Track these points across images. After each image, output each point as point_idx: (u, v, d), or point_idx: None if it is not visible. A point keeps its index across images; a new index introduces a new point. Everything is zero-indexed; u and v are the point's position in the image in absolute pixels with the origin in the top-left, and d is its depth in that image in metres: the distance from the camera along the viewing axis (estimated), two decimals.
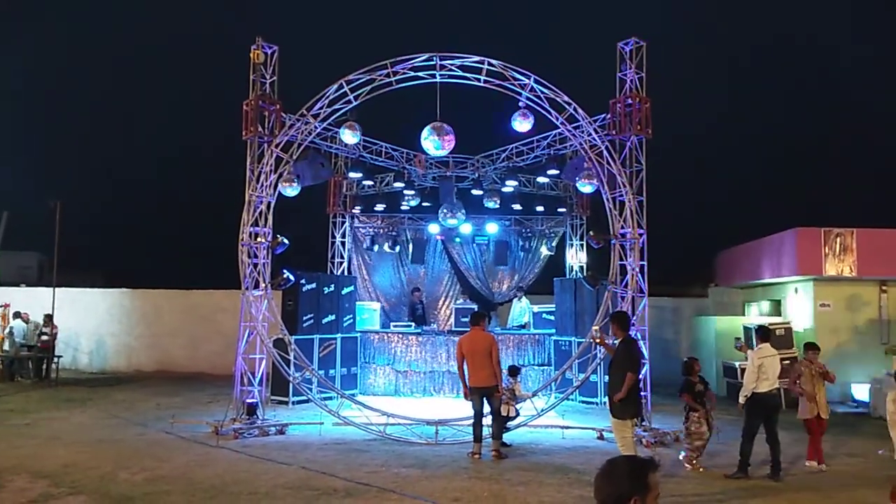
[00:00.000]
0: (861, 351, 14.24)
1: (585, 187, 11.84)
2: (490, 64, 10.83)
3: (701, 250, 21.31)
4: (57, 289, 17.32)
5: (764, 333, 8.73)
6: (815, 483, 7.97)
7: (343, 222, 16.97)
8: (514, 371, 10.33)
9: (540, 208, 16.40)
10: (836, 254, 14.36)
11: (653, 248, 11.10)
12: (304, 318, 13.16)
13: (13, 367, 16.35)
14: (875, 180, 24.75)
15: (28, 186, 22.04)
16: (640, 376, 8.45)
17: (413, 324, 15.39)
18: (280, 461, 8.61)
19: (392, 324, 15.41)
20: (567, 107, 11.09)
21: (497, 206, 16.05)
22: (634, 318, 10.46)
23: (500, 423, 9.29)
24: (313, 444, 9.72)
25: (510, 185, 15.35)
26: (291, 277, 11.45)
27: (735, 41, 30.79)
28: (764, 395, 8.22)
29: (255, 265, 11.01)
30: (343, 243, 16.91)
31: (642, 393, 9.17)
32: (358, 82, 11.01)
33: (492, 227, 16.86)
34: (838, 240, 14.40)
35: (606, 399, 8.09)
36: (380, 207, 16.45)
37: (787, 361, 13.06)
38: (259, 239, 11.09)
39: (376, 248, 16.96)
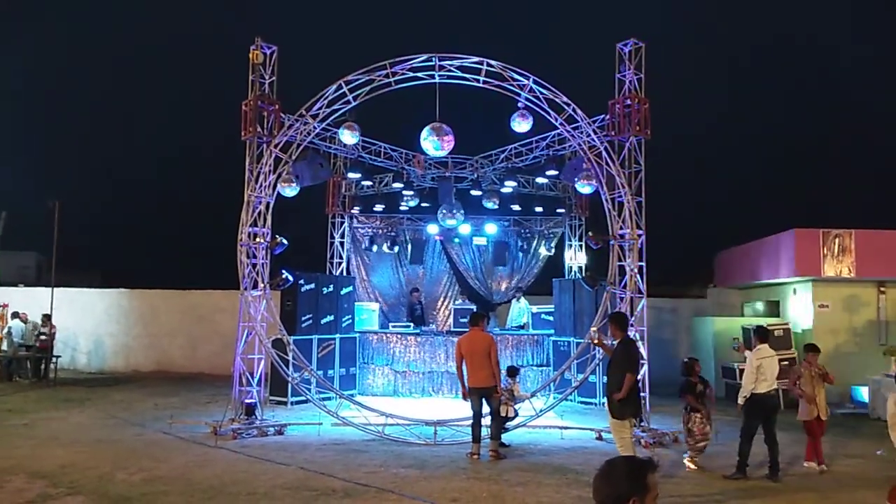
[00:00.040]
0: (859, 352, 14.25)
1: (584, 188, 11.85)
2: (489, 65, 10.83)
3: (700, 251, 21.33)
4: (55, 289, 17.31)
5: (762, 334, 8.74)
6: (814, 484, 7.98)
7: (342, 223, 16.96)
8: (512, 371, 10.33)
9: (539, 209, 16.40)
10: (835, 255, 14.37)
11: (652, 248, 11.11)
12: (303, 318, 13.15)
13: (11, 368, 16.33)
14: (875, 180, 24.79)
15: (27, 186, 22.04)
16: (639, 377, 8.46)
17: (412, 324, 15.39)
18: (278, 461, 8.60)
19: (391, 324, 15.41)
20: (566, 107, 11.10)
21: (496, 206, 16.06)
22: (633, 318, 10.47)
23: (499, 424, 9.30)
24: (312, 444, 9.71)
25: (509, 186, 15.35)
26: (290, 278, 11.45)
27: (735, 41, 30.85)
28: (762, 395, 8.22)
29: (254, 265, 11.00)
30: (342, 244, 16.90)
31: (641, 394, 9.18)
32: (357, 83, 11.01)
33: (491, 228, 16.86)
34: (837, 241, 14.42)
35: (605, 400, 8.09)
36: (379, 208, 16.44)
37: (786, 362, 13.09)
38: (258, 239, 11.08)
39: (375, 248, 16.96)
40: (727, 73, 30.99)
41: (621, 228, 10.87)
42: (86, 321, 18.96)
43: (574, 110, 11.08)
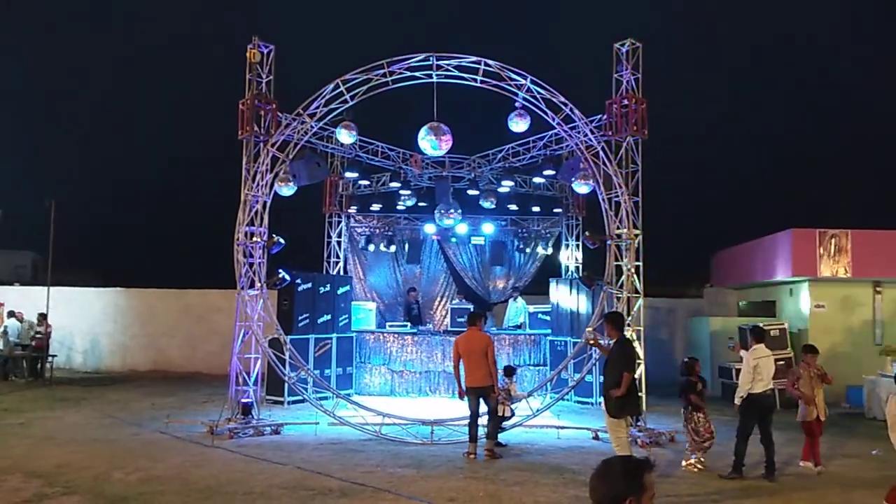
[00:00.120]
0: (855, 352, 14.29)
1: (581, 188, 11.86)
2: (487, 64, 10.83)
3: (696, 251, 21.36)
4: (52, 288, 17.26)
5: (758, 334, 8.75)
6: (810, 483, 7.99)
7: (339, 222, 16.95)
8: (509, 371, 10.35)
9: (536, 209, 16.40)
10: (831, 255, 14.41)
11: (648, 248, 11.12)
12: (300, 317, 13.15)
13: (7, 367, 16.30)
14: (874, 181, 24.85)
15: (25, 185, 22.00)
16: (636, 376, 8.47)
17: (409, 324, 15.38)
18: (275, 461, 8.60)
19: (388, 324, 15.40)
20: (563, 107, 11.10)
21: (493, 206, 16.05)
22: (630, 318, 10.48)
23: (496, 423, 9.30)
24: (309, 444, 9.71)
25: (506, 186, 15.35)
26: (287, 277, 11.44)
27: (734, 41, 30.88)
28: (759, 395, 8.23)
29: (251, 265, 10.99)
30: (339, 243, 16.89)
31: (639, 393, 9.19)
32: (354, 82, 11.00)
33: (488, 228, 16.85)
34: (833, 241, 14.45)
35: (602, 399, 8.09)
36: (376, 207, 16.42)
37: (782, 362, 13.13)
38: (255, 238, 11.07)
39: (372, 247, 16.94)
40: (725, 73, 31.06)
41: (618, 228, 10.88)
42: (82, 320, 18.92)
43: (571, 110, 11.08)
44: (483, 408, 9.16)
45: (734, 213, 25.10)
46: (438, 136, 10.92)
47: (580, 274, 15.18)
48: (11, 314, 16.66)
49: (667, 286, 19.31)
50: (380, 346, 14.51)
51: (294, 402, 12.53)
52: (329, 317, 13.84)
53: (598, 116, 11.61)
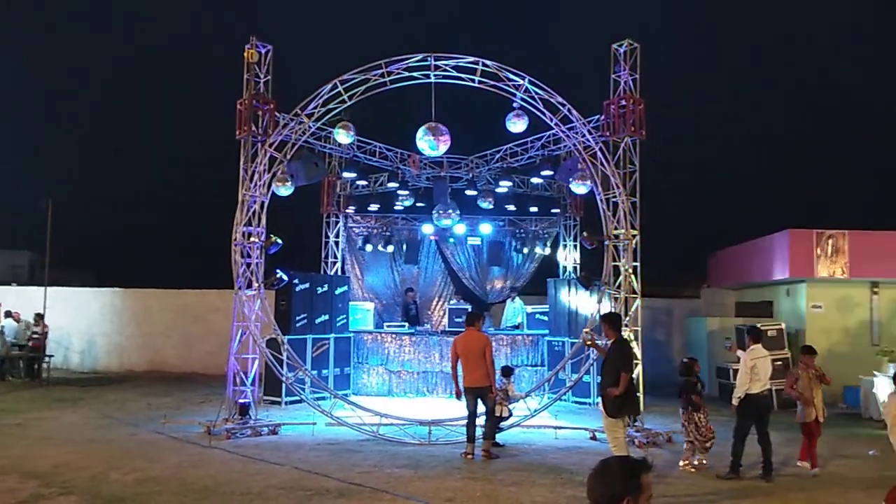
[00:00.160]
0: (852, 352, 14.31)
1: (579, 188, 11.87)
2: (484, 65, 10.84)
3: (694, 251, 21.38)
4: (49, 288, 17.23)
5: (756, 334, 8.75)
6: (807, 484, 8.00)
7: (337, 222, 16.94)
8: (507, 371, 10.35)
9: (534, 209, 16.40)
10: (829, 255, 14.44)
11: (646, 249, 11.13)
12: (298, 318, 13.14)
13: (4, 367, 16.26)
14: (874, 181, 24.88)
15: (23, 185, 21.96)
16: (633, 376, 8.47)
17: (406, 324, 15.39)
18: (272, 461, 8.59)
19: (385, 324, 15.39)
20: (561, 108, 11.10)
21: (491, 206, 16.05)
22: (627, 318, 10.49)
23: (493, 424, 9.30)
24: (306, 444, 9.70)
25: (504, 186, 15.35)
26: (285, 277, 11.43)
27: (734, 41, 30.90)
28: (756, 395, 8.24)
29: (249, 265, 10.98)
30: (337, 243, 16.88)
31: (636, 393, 9.19)
32: (352, 82, 10.99)
33: (485, 228, 16.86)
34: (830, 241, 14.48)
35: (599, 399, 8.10)
36: (374, 207, 16.42)
37: (780, 363, 13.15)
38: (252, 238, 11.06)
39: (370, 248, 16.93)
40: (725, 73, 31.07)
41: (616, 229, 10.89)
42: (79, 321, 18.89)
43: (569, 110, 11.09)
44: (481, 408, 9.17)
45: (732, 214, 25.13)
46: (436, 137, 10.92)
47: (578, 274, 15.18)
48: (8, 314, 16.62)
49: (664, 286, 19.33)
50: (377, 346, 14.50)
51: (291, 402, 12.52)
52: (327, 317, 13.84)
53: (596, 117, 11.62)
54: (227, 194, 11.60)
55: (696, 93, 27.84)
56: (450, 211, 15.00)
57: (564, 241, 17.07)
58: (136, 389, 15.06)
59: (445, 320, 15.55)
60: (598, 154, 10.98)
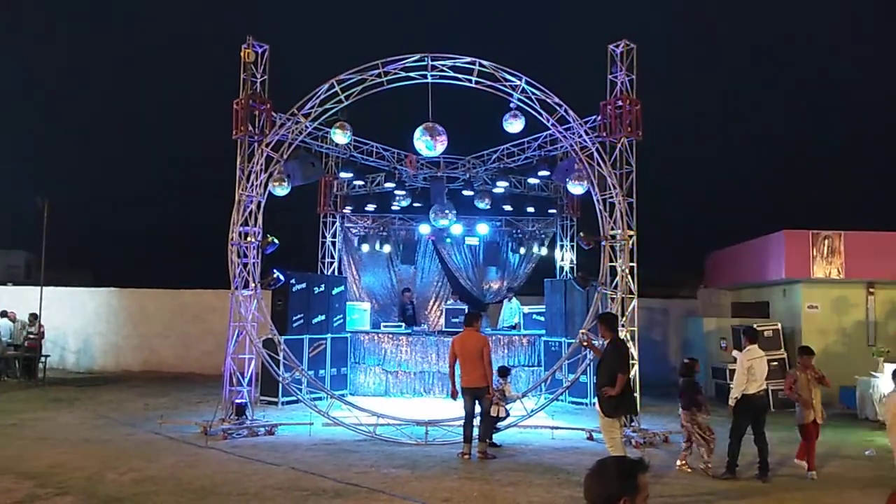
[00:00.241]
0: (848, 353, 14.34)
1: (576, 189, 11.87)
2: (481, 65, 10.84)
3: (690, 252, 21.41)
4: (45, 288, 17.20)
5: (752, 335, 8.77)
6: (803, 484, 8.02)
7: (333, 222, 16.93)
8: (503, 372, 10.35)
9: (530, 209, 16.42)
10: (824, 256, 14.46)
11: (643, 249, 11.14)
12: (294, 318, 13.12)
13: (0, 367, 16.21)
14: (875, 181, 24.93)
15: (22, 185, 21.91)
16: (630, 376, 8.47)
17: (403, 324, 15.38)
18: (269, 462, 8.58)
19: (382, 324, 15.39)
20: (558, 108, 11.11)
21: (488, 206, 16.07)
22: (624, 319, 10.50)
23: (489, 424, 9.30)
24: (303, 444, 9.69)
25: (501, 186, 15.37)
26: (281, 277, 11.41)
27: (733, 41, 30.93)
28: (752, 396, 8.26)
29: (245, 265, 10.97)
30: (333, 243, 16.87)
31: (633, 394, 9.19)
32: (349, 82, 10.99)
33: (482, 228, 16.87)
34: (826, 242, 14.51)
35: (595, 400, 8.10)
36: (370, 207, 16.43)
37: (775, 363, 13.18)
38: (249, 238, 11.05)
39: (367, 248, 16.93)
40: (723, 74, 31.10)
41: (612, 229, 10.90)
42: (75, 320, 18.85)
43: (566, 111, 11.09)
44: (478, 408, 9.17)
45: (729, 214, 25.17)
46: (434, 137, 10.93)
47: (574, 275, 15.19)
48: (4, 314, 16.58)
49: (661, 287, 19.36)
50: (374, 346, 14.50)
51: (288, 402, 12.50)
52: (323, 317, 13.82)
53: (593, 117, 11.63)
54: (225, 194, 11.59)
55: (693, 93, 27.89)
56: (447, 211, 15.01)
57: (561, 241, 17.09)
58: (132, 389, 15.03)
59: (442, 320, 15.54)
60: (595, 154, 11.00)
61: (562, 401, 12.52)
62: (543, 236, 17.28)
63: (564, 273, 16.72)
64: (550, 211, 16.91)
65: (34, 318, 16.60)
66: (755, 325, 11.16)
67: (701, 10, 29.69)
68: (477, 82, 10.98)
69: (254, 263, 11.02)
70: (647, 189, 11.48)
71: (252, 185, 11.07)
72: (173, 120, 28.77)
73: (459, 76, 10.99)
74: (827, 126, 27.15)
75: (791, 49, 29.20)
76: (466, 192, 15.92)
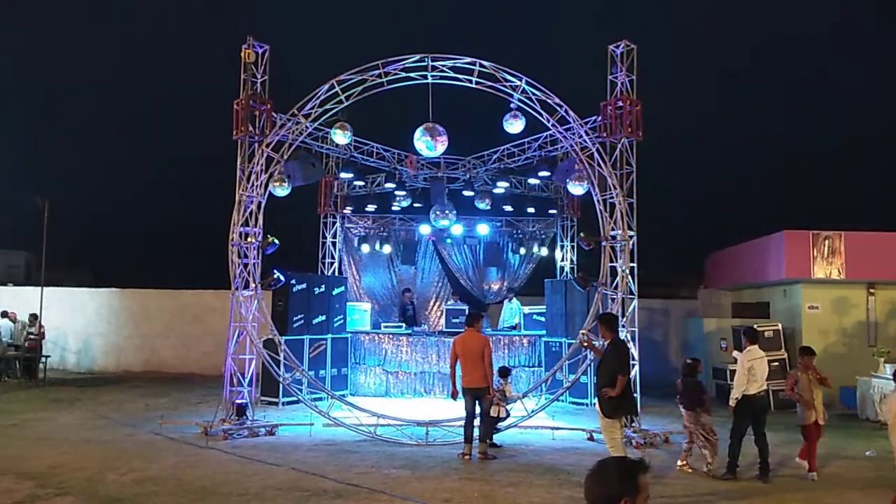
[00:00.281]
0: (849, 353, 14.34)
1: (576, 189, 11.87)
2: (482, 65, 10.84)
3: (691, 252, 21.41)
4: (45, 288, 17.20)
5: (752, 335, 8.76)
6: (804, 485, 8.02)
7: (334, 222, 16.93)
8: (504, 372, 10.35)
9: (531, 210, 16.42)
10: (825, 256, 14.46)
11: (643, 249, 11.14)
12: (295, 318, 13.12)
13: (0, 367, 16.21)
14: (875, 181, 24.91)
15: (22, 185, 21.92)
16: (631, 376, 8.47)
17: (404, 325, 15.38)
18: (270, 462, 8.58)
19: (383, 324, 15.39)
20: (558, 108, 11.11)
21: (488, 207, 16.07)
22: (624, 319, 10.50)
23: (489, 425, 9.30)
24: (303, 445, 9.70)
25: (501, 187, 15.37)
26: (282, 278, 11.42)
27: (733, 41, 30.92)
28: (752, 396, 8.25)
29: (246, 265, 10.97)
30: (334, 244, 16.87)
31: (633, 394, 9.19)
32: (349, 82, 10.99)
33: (483, 229, 16.87)
34: (826, 242, 14.50)
35: (596, 400, 8.09)
36: (371, 208, 16.42)
37: (776, 363, 13.17)
38: (249, 239, 11.05)
39: (367, 248, 16.93)
40: (723, 74, 31.08)
41: (613, 229, 10.90)
42: (76, 321, 18.85)
43: (566, 111, 11.09)
44: (478, 409, 9.17)
45: (729, 215, 25.16)
46: (434, 137, 10.93)
47: (575, 275, 15.19)
48: (4, 314, 16.58)
49: (661, 287, 19.35)
50: (375, 346, 14.50)
51: (289, 402, 12.50)
52: (324, 318, 13.82)
53: (593, 118, 11.63)
54: (225, 194, 11.59)
55: (694, 93, 27.89)
56: (447, 211, 15.01)
57: (561, 241, 17.09)
58: (133, 390, 15.04)
59: (442, 321, 15.54)
60: (595, 155, 10.99)
61: (562, 401, 12.52)
62: (544, 237, 17.28)
63: (565, 273, 16.72)
64: (551, 211, 16.91)
65: (34, 318, 16.61)
66: (756, 326, 11.14)
67: (701, 10, 29.69)
68: (477, 83, 10.98)
69: (254, 264, 11.02)
70: (647, 189, 11.48)
71: (252, 185, 11.08)
72: (173, 120, 28.77)
73: (460, 76, 10.99)
74: (827, 126, 27.14)
75: (791, 49, 29.20)
76: (467, 193, 15.91)
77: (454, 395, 9.30)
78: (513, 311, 15.92)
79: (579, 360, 11.42)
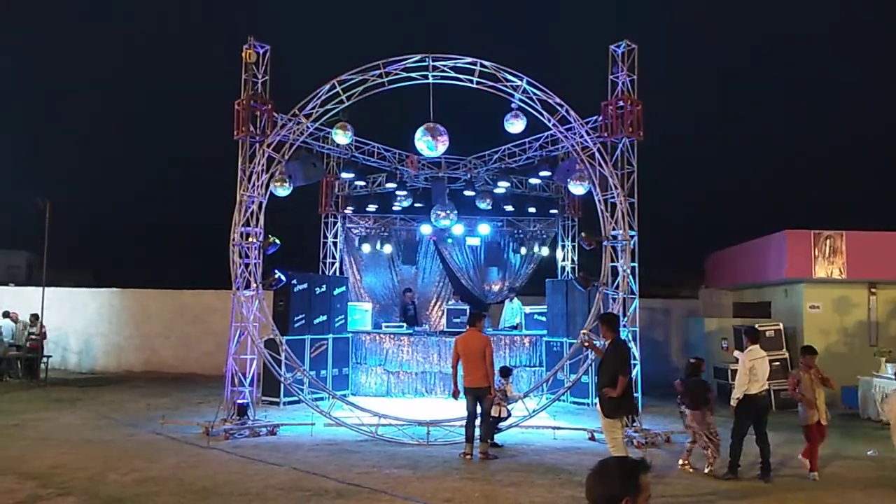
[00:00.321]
0: (850, 353, 14.33)
1: (577, 189, 11.87)
2: (482, 65, 10.84)
3: (692, 252, 21.39)
4: (46, 288, 17.21)
5: (753, 335, 8.74)
6: (805, 484, 8.01)
7: (335, 222, 16.94)
8: (505, 372, 10.35)
9: (532, 210, 16.41)
10: (826, 256, 14.45)
11: (644, 249, 11.14)
12: (296, 318, 13.13)
13: (2, 367, 16.22)
14: (875, 181, 24.90)
15: (21, 185, 21.93)
16: (632, 377, 8.47)
17: (405, 324, 15.38)
18: (271, 462, 8.59)
19: (384, 324, 15.39)
20: (559, 108, 11.11)
21: (489, 207, 16.07)
22: (625, 319, 10.50)
23: (489, 425, 9.30)
24: (304, 444, 9.70)
25: (502, 187, 15.37)
26: (283, 278, 11.42)
27: (733, 41, 30.90)
28: (754, 396, 8.25)
29: (247, 265, 10.97)
30: (335, 244, 16.88)
31: (634, 394, 9.19)
32: (350, 82, 11.00)
33: (484, 228, 16.87)
34: (828, 242, 14.49)
35: (597, 400, 8.09)
36: (372, 208, 16.43)
37: (777, 363, 13.17)
38: (250, 239, 11.06)
39: (368, 248, 16.94)
40: (724, 74, 31.07)
41: (614, 229, 10.90)
42: (77, 321, 18.87)
43: (567, 111, 11.09)
44: (479, 409, 9.17)
45: (730, 214, 25.15)
46: (435, 137, 10.92)
47: (576, 275, 15.19)
48: (6, 314, 16.60)
49: (662, 287, 19.34)
50: (376, 346, 14.50)
51: (290, 402, 12.50)
52: (325, 317, 13.83)
53: (594, 118, 11.63)
54: (225, 194, 11.60)
55: (694, 93, 27.88)
56: (448, 211, 15.01)
57: (562, 241, 17.09)
58: (134, 390, 15.05)
59: (444, 321, 15.55)
60: (596, 155, 10.99)
61: (563, 401, 12.52)
62: (545, 236, 17.28)
63: (566, 273, 16.72)
64: (552, 211, 16.90)
65: (35, 318, 16.62)
66: (757, 325, 11.13)
67: (701, 10, 29.68)
68: (478, 83, 10.98)
69: (255, 264, 11.03)
70: (648, 189, 11.48)
71: (253, 185, 11.08)
72: (173, 120, 28.77)
73: (461, 76, 10.99)
74: (827, 126, 27.12)
75: (791, 49, 29.19)
76: (468, 193, 15.91)
77: (455, 395, 9.31)
78: (514, 310, 15.92)
79: (580, 360, 11.42)
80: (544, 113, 11.20)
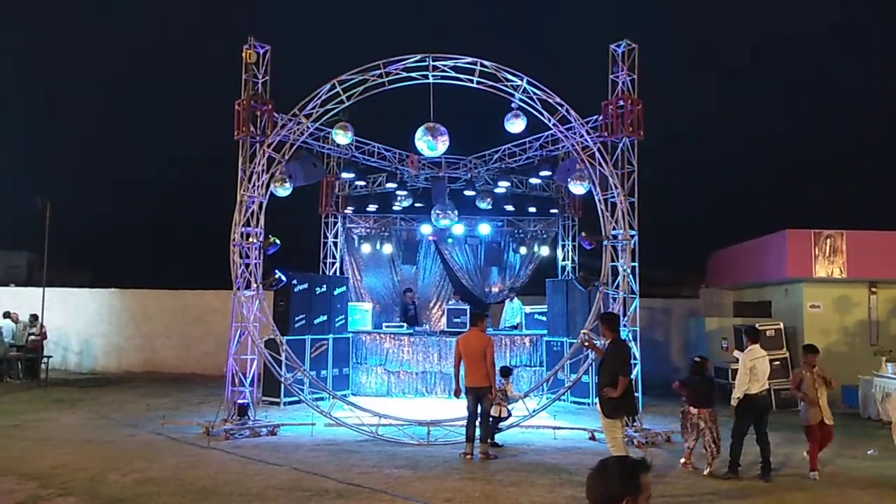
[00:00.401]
0: (850, 352, 14.34)
1: (577, 188, 11.87)
2: (483, 65, 10.84)
3: (692, 251, 21.39)
4: (47, 288, 17.21)
5: (754, 334, 8.75)
6: (806, 484, 8.01)
7: (335, 223, 16.94)
8: (505, 372, 10.36)
9: (532, 209, 16.42)
10: (826, 255, 14.46)
11: (644, 249, 11.14)
12: (296, 318, 13.13)
13: (2, 368, 16.22)
14: (876, 181, 24.88)
15: (21, 185, 21.92)
16: (632, 377, 8.46)
17: (405, 324, 15.39)
18: (271, 462, 8.59)
19: (384, 324, 15.39)
20: (559, 108, 11.11)
21: (489, 206, 16.08)
22: (626, 319, 10.50)
23: (488, 426, 9.29)
24: (305, 444, 9.70)
25: (502, 186, 15.37)
26: (283, 278, 11.42)
27: (733, 41, 30.87)
28: (754, 395, 8.25)
29: (247, 265, 10.97)
30: (335, 244, 16.89)
31: (634, 394, 9.19)
32: (350, 82, 11.00)
33: (484, 228, 16.87)
34: (828, 241, 14.50)
35: (597, 400, 8.09)
36: (372, 208, 16.43)
37: (778, 363, 13.17)
38: (251, 239, 11.06)
39: (368, 248, 16.94)
40: (724, 74, 31.04)
41: (614, 229, 10.90)
42: (77, 321, 18.87)
43: (567, 111, 11.09)
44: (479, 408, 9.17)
45: (731, 214, 25.11)
46: (435, 137, 10.92)
47: (576, 274, 15.19)
48: (7, 315, 16.60)
49: (663, 286, 19.34)
50: (376, 346, 14.50)
51: (290, 402, 12.51)
52: (325, 317, 13.83)
53: (595, 117, 11.63)
54: (225, 194, 11.59)
55: (694, 93, 27.85)
56: (448, 211, 15.00)
57: (563, 241, 17.10)
58: (134, 390, 15.05)
59: (444, 320, 15.55)
60: (597, 154, 10.99)
61: (564, 401, 12.53)
62: (545, 236, 17.28)
63: (566, 273, 16.72)
64: (552, 211, 16.91)
65: (35, 318, 16.62)
66: (757, 325, 11.13)
67: (701, 10, 29.65)
68: (478, 82, 10.98)
69: (255, 264, 11.03)
70: (648, 189, 11.48)
71: (254, 185, 11.08)
72: (173, 120, 28.75)
73: (461, 76, 11.00)
74: (828, 125, 27.10)
75: (791, 49, 29.17)
76: (468, 193, 15.92)
77: (457, 393, 9.31)
78: (514, 310, 15.92)
79: (580, 360, 11.42)
80: (544, 112, 11.20)
